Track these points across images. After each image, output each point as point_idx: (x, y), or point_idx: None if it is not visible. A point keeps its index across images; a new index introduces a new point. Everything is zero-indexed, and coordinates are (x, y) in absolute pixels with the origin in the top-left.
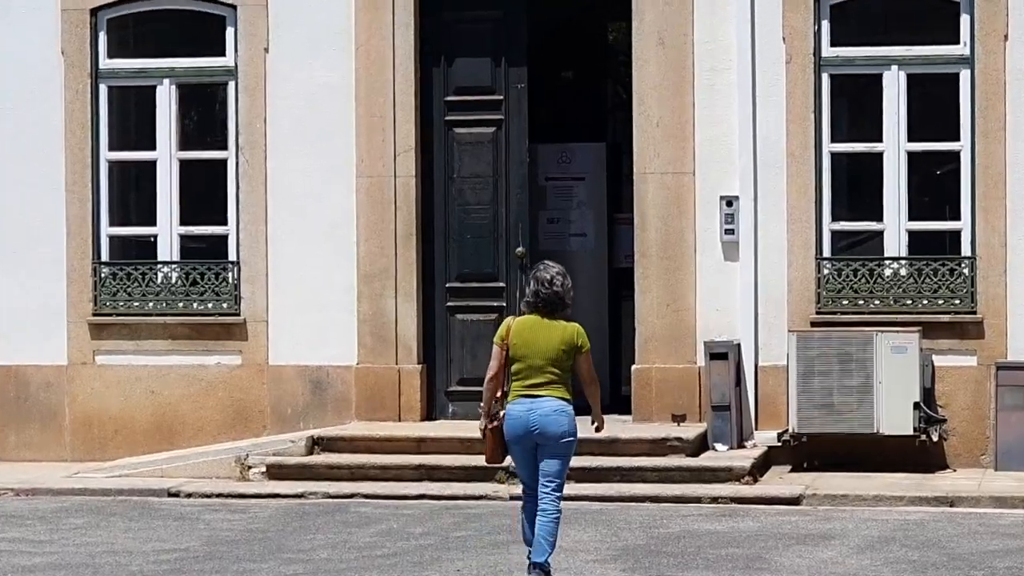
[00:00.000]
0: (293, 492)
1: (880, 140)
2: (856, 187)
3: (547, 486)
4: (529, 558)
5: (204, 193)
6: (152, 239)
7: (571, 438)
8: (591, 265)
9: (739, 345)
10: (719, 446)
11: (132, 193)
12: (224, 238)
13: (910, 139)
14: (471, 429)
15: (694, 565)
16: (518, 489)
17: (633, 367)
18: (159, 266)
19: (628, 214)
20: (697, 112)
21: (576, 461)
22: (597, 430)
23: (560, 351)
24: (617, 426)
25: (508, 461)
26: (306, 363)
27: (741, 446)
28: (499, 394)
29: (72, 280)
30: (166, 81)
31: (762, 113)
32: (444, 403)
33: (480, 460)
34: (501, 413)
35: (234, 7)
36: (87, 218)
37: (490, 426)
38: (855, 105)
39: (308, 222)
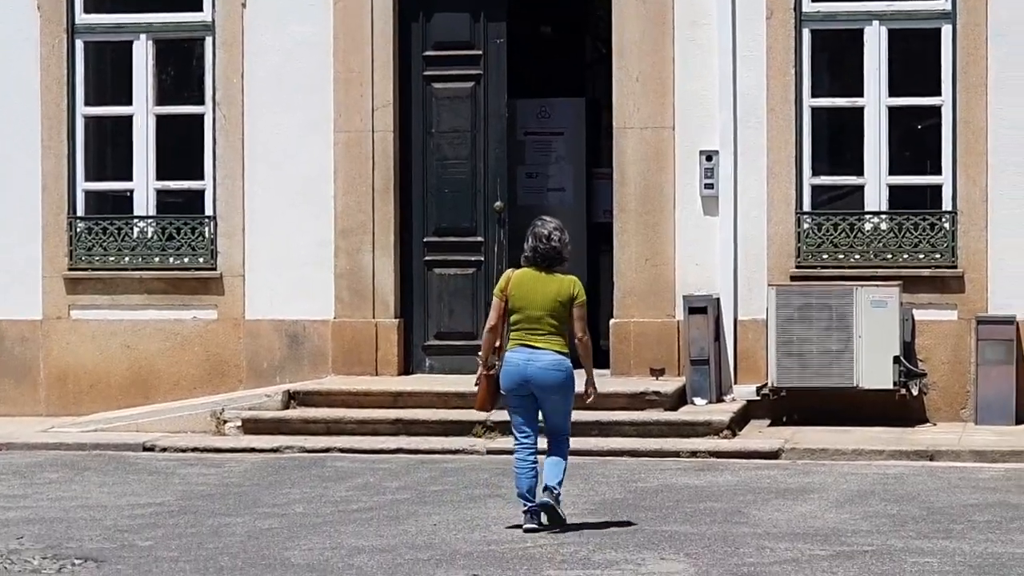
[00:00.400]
0: (269, 446)
1: (861, 95)
2: (837, 142)
3: (556, 438)
4: (526, 506)
5: (181, 148)
6: (128, 194)
7: (570, 390)
8: (569, 220)
9: (718, 299)
10: (698, 400)
11: (108, 148)
12: (200, 193)
13: (891, 94)
14: (448, 383)
15: (672, 519)
16: (495, 443)
17: (611, 321)
18: (135, 221)
19: (607, 169)
20: (677, 67)
21: None
22: (587, 397)
23: (557, 303)
24: (597, 381)
25: (485, 415)
26: (283, 317)
27: (720, 400)
28: (497, 344)
29: (47, 235)
30: (143, 36)
31: (742, 68)
32: (421, 357)
33: (457, 414)
34: (497, 364)
35: None
36: (63, 173)
37: (486, 373)
38: (836, 60)
39: (285, 177)
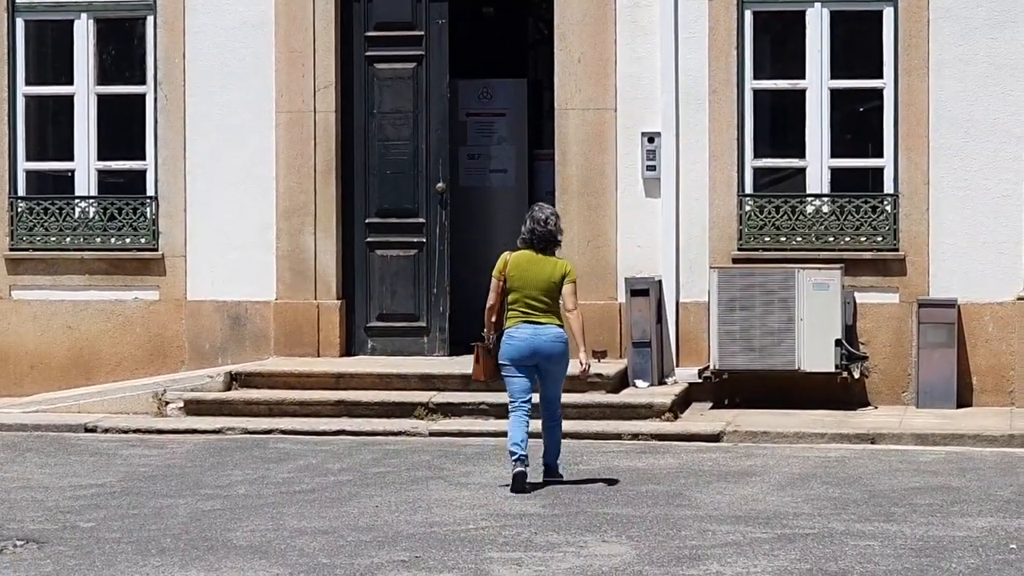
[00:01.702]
0: (211, 428)
1: (803, 77)
2: (778, 124)
3: (551, 405)
4: (514, 454)
5: (122, 128)
6: (69, 174)
7: (567, 360)
8: (511, 201)
9: (660, 282)
10: (640, 383)
11: (49, 128)
12: (143, 173)
13: (833, 76)
14: (390, 365)
15: (614, 502)
16: (437, 425)
17: None
18: (77, 201)
19: (549, 150)
20: (619, 48)
21: (493, 396)
22: (584, 374)
23: (552, 283)
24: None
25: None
26: (225, 299)
27: (662, 383)
28: (494, 320)
29: None
30: (83, 15)
31: (684, 49)
32: (363, 339)
33: (399, 396)
34: (491, 337)
35: None
36: (3, 153)
37: (487, 346)
38: (778, 42)
39: (227, 158)
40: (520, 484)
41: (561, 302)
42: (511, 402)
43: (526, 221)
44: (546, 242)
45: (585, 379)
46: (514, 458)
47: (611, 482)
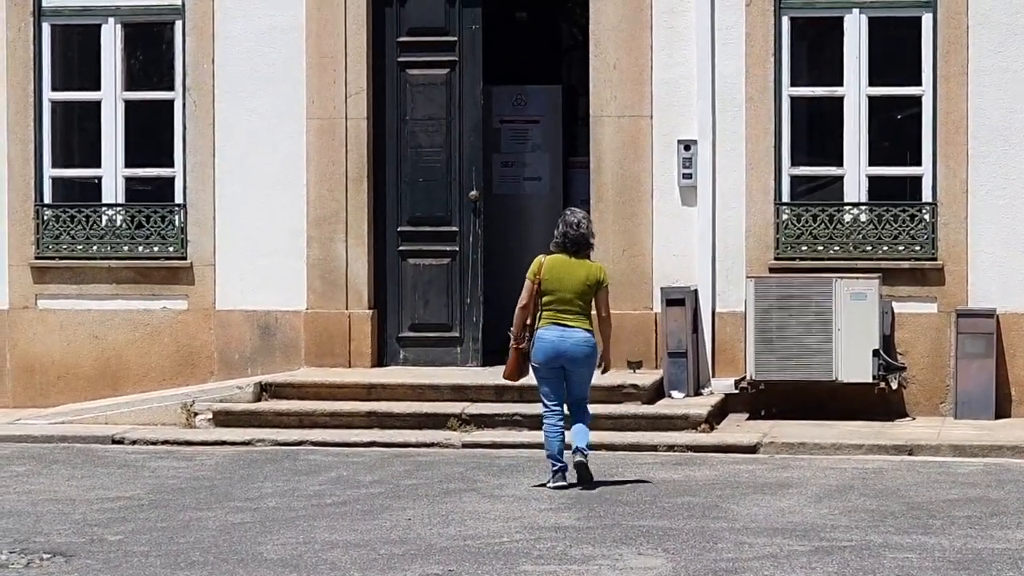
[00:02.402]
0: (240, 439)
1: (841, 84)
2: (816, 132)
3: (579, 406)
4: (555, 465)
5: (150, 135)
6: (96, 181)
7: (594, 362)
8: (546, 209)
9: (696, 291)
10: (675, 393)
11: (76, 134)
12: (171, 180)
13: (871, 83)
14: (422, 375)
15: (649, 514)
16: (470, 436)
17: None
18: (104, 209)
19: (584, 158)
20: (655, 54)
21: (527, 408)
22: (604, 371)
23: (586, 286)
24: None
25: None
26: (254, 308)
27: (698, 393)
28: (528, 322)
29: (14, 223)
30: (111, 20)
31: (721, 56)
32: (395, 349)
33: (432, 407)
34: (527, 337)
35: None
36: (29, 159)
37: (517, 346)
38: (815, 49)
39: (257, 165)
40: (560, 477)
41: (595, 306)
42: (544, 408)
43: (558, 225)
44: (579, 245)
45: (600, 373)
46: (554, 469)
47: (646, 494)
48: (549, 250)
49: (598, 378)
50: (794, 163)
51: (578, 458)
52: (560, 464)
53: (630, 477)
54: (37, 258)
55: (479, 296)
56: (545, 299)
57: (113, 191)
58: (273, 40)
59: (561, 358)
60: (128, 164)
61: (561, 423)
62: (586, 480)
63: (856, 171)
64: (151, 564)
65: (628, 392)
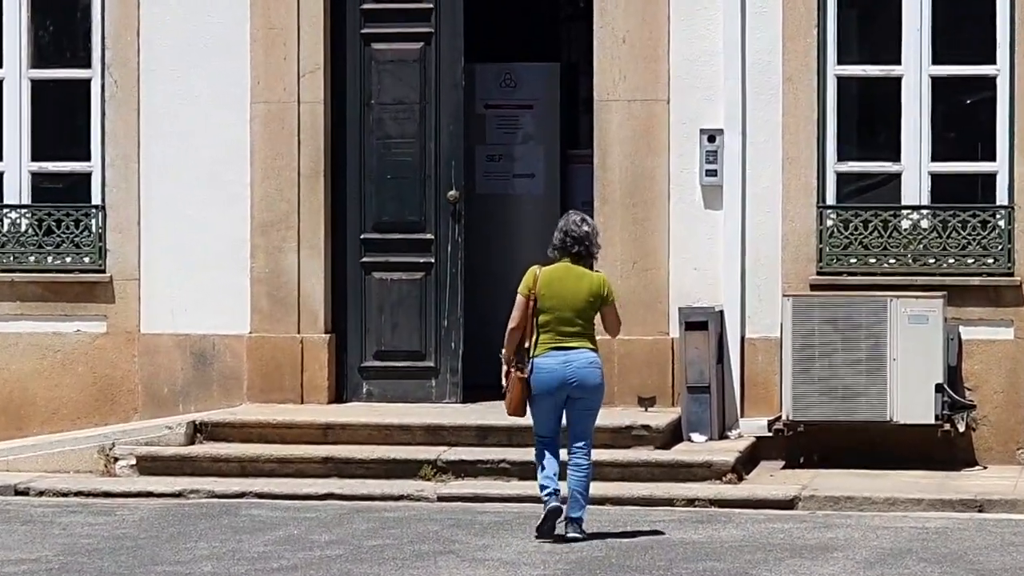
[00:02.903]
0: (170, 490)
1: (898, 62)
2: (868, 119)
3: (580, 440)
4: (545, 509)
5: (62, 122)
6: None
7: (602, 390)
8: (540, 212)
9: (722, 312)
10: (696, 436)
11: None
12: (86, 177)
13: (935, 61)
14: (390, 414)
15: None
16: (448, 488)
17: None
18: (5, 211)
19: (586, 151)
20: (673, 25)
21: (515, 453)
22: None
23: (588, 302)
24: None
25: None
26: (187, 331)
27: (723, 437)
28: (526, 345)
29: None
30: None
31: (753, 27)
32: (357, 382)
33: (402, 452)
34: (527, 366)
35: None
36: None
37: (520, 375)
38: (868, 18)
39: (191, 158)
40: (550, 524)
41: (599, 325)
42: (538, 438)
43: (557, 231)
44: (582, 246)
45: None
46: (545, 492)
47: (660, 558)
48: (546, 259)
49: (602, 417)
50: (841, 158)
51: (570, 533)
52: (552, 487)
53: (641, 537)
54: None
55: (459, 318)
56: (541, 319)
57: (16, 190)
58: (212, 7)
59: (565, 387)
60: (35, 157)
61: (556, 449)
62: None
63: (916, 167)
64: None
65: (639, 435)
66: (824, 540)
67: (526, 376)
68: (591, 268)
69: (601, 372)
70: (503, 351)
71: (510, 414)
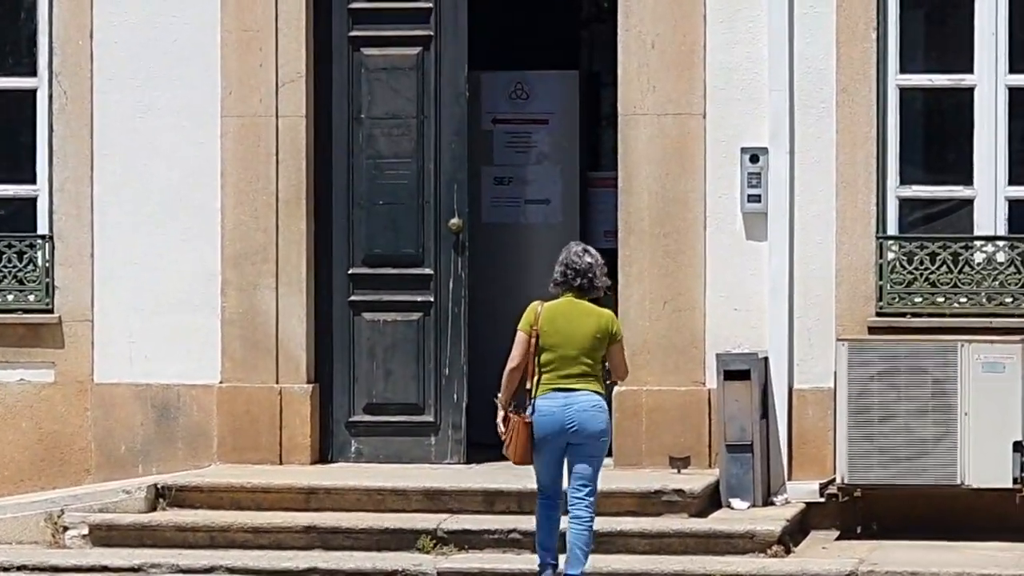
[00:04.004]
0: (128, 564)
1: (970, 71)
2: (935, 137)
3: (581, 491)
4: (543, 560)
5: (2, 139)
6: None
7: (608, 437)
8: (556, 244)
9: (766, 359)
10: (737, 502)
11: None
12: (31, 203)
13: (1012, 70)
14: (382, 476)
15: None
16: (449, 561)
17: (615, 390)
18: None
19: (610, 172)
20: (710, 28)
21: (527, 522)
22: None
23: (595, 339)
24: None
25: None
26: (147, 381)
27: (768, 503)
28: (528, 386)
29: None
30: None
31: (802, 30)
32: (345, 439)
33: (395, 520)
34: (529, 408)
35: None
36: None
37: (525, 419)
38: (935, 20)
39: (153, 180)
40: None
41: (610, 368)
42: (539, 491)
43: (558, 263)
44: (585, 279)
45: None
46: (539, 564)
47: None
48: (549, 295)
49: (622, 480)
50: (904, 181)
51: None
52: (550, 563)
53: None
54: None
55: (462, 365)
56: (544, 358)
57: None
58: (177, 7)
59: (565, 433)
60: None
61: (557, 508)
62: None
63: (991, 192)
64: None
65: (670, 500)
66: None
67: (529, 420)
68: (597, 303)
69: (606, 417)
70: (499, 394)
71: (516, 463)
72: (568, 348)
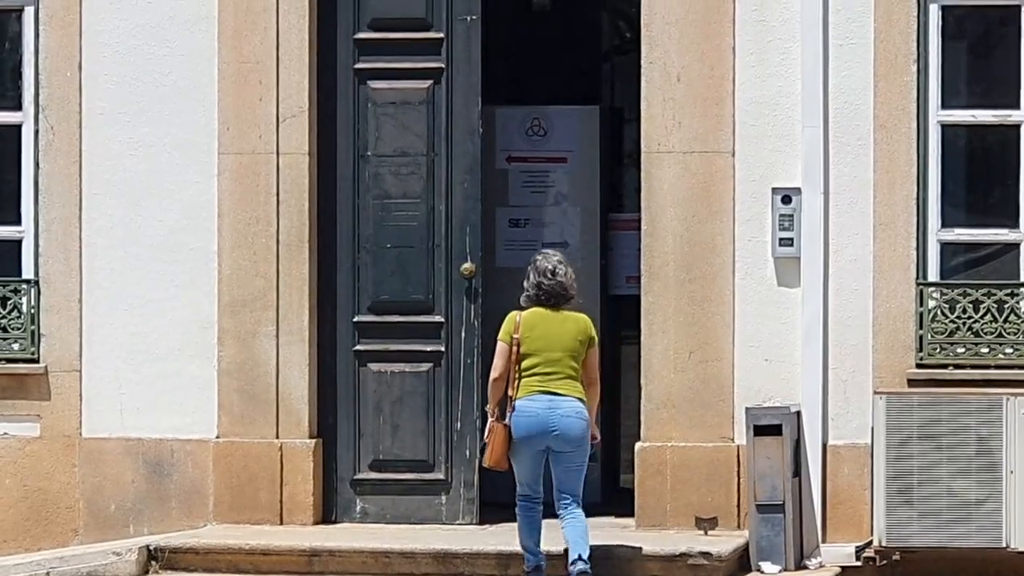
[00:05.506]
0: None
1: (1016, 106)
2: (979, 177)
3: (567, 498)
4: (529, 562)
5: None
6: None
7: (588, 443)
8: (577, 289)
9: (799, 414)
10: (767, 566)
11: None
12: (16, 245)
13: None
14: (390, 537)
15: None
16: None
17: (637, 445)
18: None
19: (632, 214)
20: (739, 61)
21: None
22: (592, 439)
23: (578, 342)
24: (614, 534)
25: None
26: (139, 436)
27: (801, 567)
28: (509, 393)
29: None
30: None
31: (837, 63)
32: (350, 498)
33: None
34: (508, 414)
35: None
36: None
37: (501, 422)
38: (979, 52)
39: (145, 222)
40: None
41: (582, 371)
42: (519, 494)
43: (529, 274)
44: (558, 297)
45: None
46: (529, 566)
47: None
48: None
49: (645, 542)
50: (946, 223)
51: (579, 567)
52: (536, 560)
53: None
54: None
55: (475, 419)
56: (526, 363)
57: None
58: (171, 37)
59: (547, 436)
60: None
61: (539, 509)
62: None
63: None
64: None
65: (696, 564)
66: None
67: (507, 423)
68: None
69: (587, 423)
70: (487, 406)
71: (489, 466)
72: (552, 351)
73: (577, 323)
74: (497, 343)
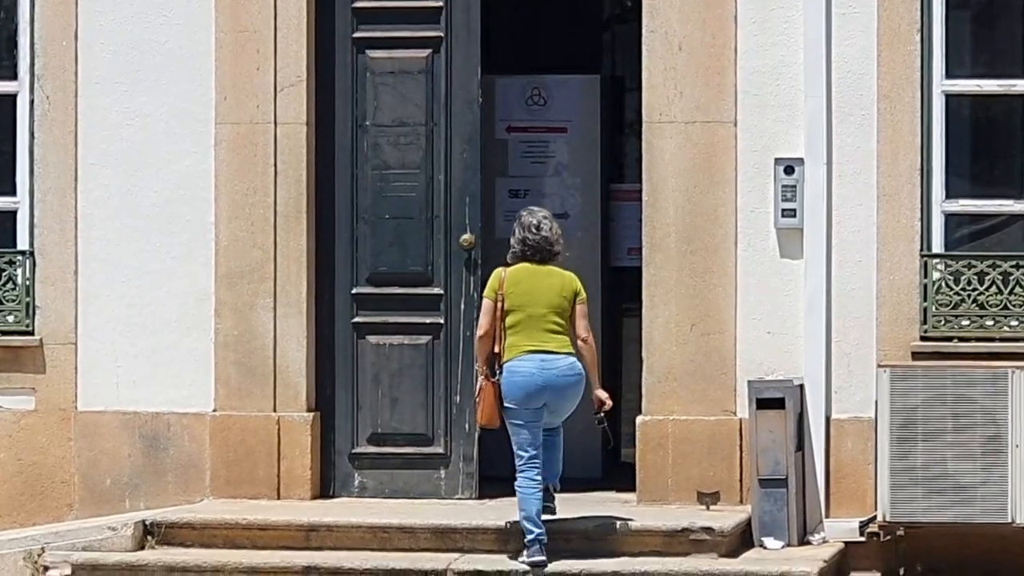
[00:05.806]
0: None
1: (1022, 76)
2: (984, 147)
3: (550, 434)
4: (532, 533)
5: None
6: None
7: (580, 395)
8: (577, 261)
9: (802, 387)
10: (770, 541)
11: None
12: (11, 216)
13: None
14: (388, 512)
15: None
16: None
17: (639, 419)
18: None
19: (633, 185)
20: (742, 30)
21: (553, 565)
22: (600, 407)
23: (562, 298)
24: (615, 509)
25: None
26: (135, 409)
27: (804, 542)
28: (496, 350)
29: None
30: None
31: (840, 32)
32: (348, 472)
33: (402, 560)
34: (497, 372)
35: None
36: None
37: (492, 381)
38: (984, 21)
39: (141, 192)
40: (539, 550)
41: (572, 327)
42: (519, 459)
43: (515, 230)
44: (543, 252)
45: (599, 414)
46: (530, 537)
47: None
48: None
49: (646, 517)
50: (951, 194)
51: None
52: (538, 531)
53: None
54: None
55: (475, 392)
56: (510, 320)
57: None
58: (168, 5)
59: (544, 393)
60: None
61: (540, 478)
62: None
63: None
64: None
65: (698, 539)
66: None
67: (496, 380)
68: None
69: (581, 377)
70: (477, 364)
71: (483, 425)
72: (536, 307)
73: (562, 278)
74: (483, 300)
